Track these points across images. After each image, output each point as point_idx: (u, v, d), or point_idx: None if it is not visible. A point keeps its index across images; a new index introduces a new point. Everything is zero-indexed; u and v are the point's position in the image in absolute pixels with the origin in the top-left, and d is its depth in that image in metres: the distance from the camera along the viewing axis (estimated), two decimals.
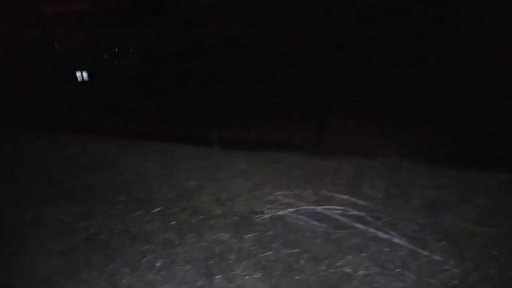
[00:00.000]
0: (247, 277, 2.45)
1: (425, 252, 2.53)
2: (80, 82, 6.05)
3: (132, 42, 5.99)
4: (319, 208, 2.94)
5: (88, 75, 6.32)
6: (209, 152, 4.45)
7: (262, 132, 4.70)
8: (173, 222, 2.96)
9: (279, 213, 2.91)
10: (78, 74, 6.02)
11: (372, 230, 2.72)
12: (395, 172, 3.66)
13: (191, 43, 5.51)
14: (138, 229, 2.90)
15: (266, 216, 2.90)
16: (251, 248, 2.65)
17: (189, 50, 5.32)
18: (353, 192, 3.20)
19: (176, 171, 3.79)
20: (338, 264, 2.47)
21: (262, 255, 2.59)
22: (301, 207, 2.99)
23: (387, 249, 2.57)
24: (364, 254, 2.54)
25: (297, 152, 4.51)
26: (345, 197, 3.08)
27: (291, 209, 2.95)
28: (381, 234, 2.67)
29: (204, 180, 3.55)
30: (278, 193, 3.20)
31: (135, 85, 5.76)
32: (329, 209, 2.95)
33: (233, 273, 2.48)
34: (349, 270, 2.43)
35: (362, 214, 2.89)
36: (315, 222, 2.79)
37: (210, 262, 2.57)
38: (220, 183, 3.48)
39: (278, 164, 3.94)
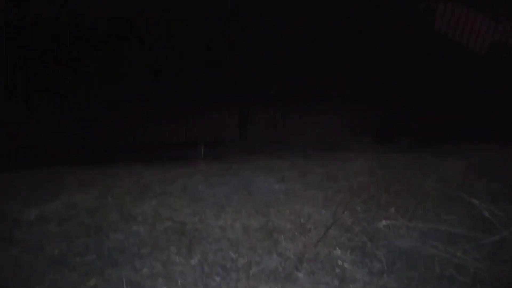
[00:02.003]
0: None
1: None
2: None
3: None
4: (428, 225, 2.78)
5: None
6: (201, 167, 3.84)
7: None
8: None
9: (394, 240, 2.65)
10: None
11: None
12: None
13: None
14: None
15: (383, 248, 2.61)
16: None
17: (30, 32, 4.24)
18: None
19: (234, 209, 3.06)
20: None
21: None
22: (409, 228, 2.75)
23: None
24: None
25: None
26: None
27: (399, 230, 2.73)
28: None
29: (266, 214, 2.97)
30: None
31: None
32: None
33: None
34: None
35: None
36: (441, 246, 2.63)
37: None
38: (290, 215, 2.96)
39: (311, 174, 3.62)
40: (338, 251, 2.56)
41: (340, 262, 2.47)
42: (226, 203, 3.12)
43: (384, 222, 2.79)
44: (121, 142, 4.61)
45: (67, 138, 4.52)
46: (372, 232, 2.73)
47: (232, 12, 4.29)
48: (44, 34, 3.99)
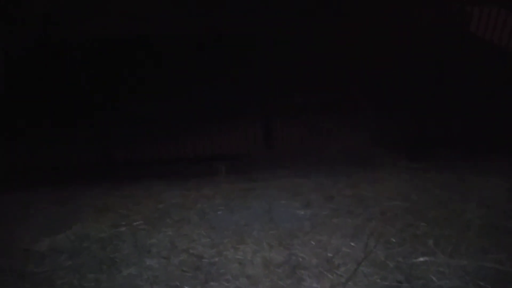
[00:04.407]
0: None
1: None
2: None
3: None
4: (472, 261, 2.47)
5: None
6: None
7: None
8: None
9: (434, 279, 2.37)
10: None
11: None
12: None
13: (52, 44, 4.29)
14: None
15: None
16: None
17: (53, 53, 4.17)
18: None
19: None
20: None
21: None
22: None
23: None
24: None
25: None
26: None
27: (439, 267, 2.43)
28: None
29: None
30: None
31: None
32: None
33: None
34: None
35: None
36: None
37: None
38: (316, 247, 2.71)
39: (339, 197, 3.36)
40: None
41: None
42: (246, 233, 2.91)
43: (421, 258, 2.49)
44: (143, 157, 4.52)
45: (86, 155, 4.47)
46: (408, 269, 2.45)
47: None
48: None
